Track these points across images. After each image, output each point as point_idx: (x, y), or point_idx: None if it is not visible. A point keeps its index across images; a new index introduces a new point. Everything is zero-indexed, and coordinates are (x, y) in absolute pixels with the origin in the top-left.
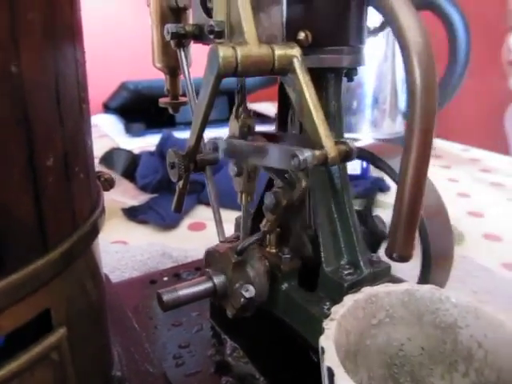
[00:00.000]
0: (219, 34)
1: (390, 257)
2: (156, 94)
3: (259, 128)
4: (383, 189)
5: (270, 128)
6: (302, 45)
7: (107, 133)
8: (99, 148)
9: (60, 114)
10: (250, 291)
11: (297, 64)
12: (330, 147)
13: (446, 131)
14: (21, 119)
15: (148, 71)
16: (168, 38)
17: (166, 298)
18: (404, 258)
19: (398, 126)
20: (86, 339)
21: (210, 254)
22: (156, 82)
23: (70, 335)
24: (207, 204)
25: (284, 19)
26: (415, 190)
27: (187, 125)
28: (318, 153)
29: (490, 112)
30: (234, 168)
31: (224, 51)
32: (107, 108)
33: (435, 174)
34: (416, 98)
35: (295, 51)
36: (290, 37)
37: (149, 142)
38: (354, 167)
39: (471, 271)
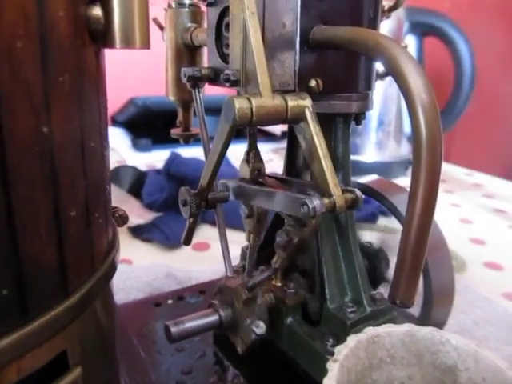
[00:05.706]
0: (235, 83)
1: (393, 302)
2: (163, 110)
3: (264, 145)
4: (386, 213)
5: (275, 146)
6: (313, 91)
7: (114, 147)
8: None
9: (84, 165)
10: (260, 327)
11: (308, 114)
12: (337, 196)
13: (450, 155)
14: (49, 175)
15: (156, 87)
16: (184, 80)
17: (173, 330)
18: (406, 304)
19: (402, 149)
20: (99, 374)
21: (221, 289)
22: (164, 99)
23: (85, 372)
24: (211, 223)
25: (297, 67)
26: (419, 241)
27: (193, 141)
28: (326, 201)
29: (494, 136)
30: (244, 209)
31: (240, 103)
32: (115, 121)
33: (438, 198)
34: (422, 154)
35: (307, 102)
36: (302, 84)
37: (155, 157)
38: None
39: (473, 301)
